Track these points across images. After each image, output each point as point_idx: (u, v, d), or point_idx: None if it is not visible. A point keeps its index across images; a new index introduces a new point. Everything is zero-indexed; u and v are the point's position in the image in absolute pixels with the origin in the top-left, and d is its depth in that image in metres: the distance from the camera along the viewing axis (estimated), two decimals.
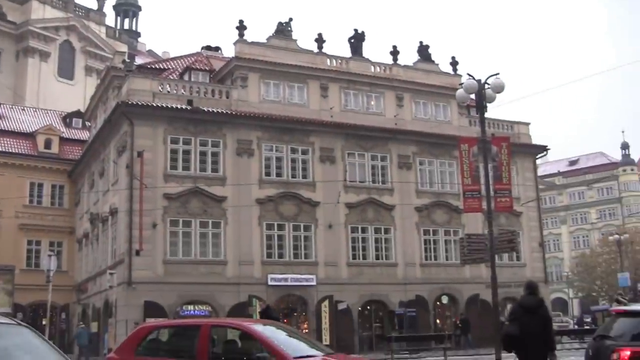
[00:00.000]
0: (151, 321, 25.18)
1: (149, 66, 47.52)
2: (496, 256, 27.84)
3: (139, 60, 54.58)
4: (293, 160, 41.25)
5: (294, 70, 42.35)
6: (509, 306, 47.07)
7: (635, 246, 78.89)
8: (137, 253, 36.12)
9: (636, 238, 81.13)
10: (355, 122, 42.96)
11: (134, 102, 37.66)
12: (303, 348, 11.10)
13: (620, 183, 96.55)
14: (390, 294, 42.07)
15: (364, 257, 42.22)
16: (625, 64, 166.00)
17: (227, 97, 40.60)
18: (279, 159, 40.90)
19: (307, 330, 38.85)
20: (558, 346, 28.40)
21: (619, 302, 25.83)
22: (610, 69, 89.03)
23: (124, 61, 45.04)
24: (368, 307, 42.51)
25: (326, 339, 38.51)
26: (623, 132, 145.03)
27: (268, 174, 40.40)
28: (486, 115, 26.91)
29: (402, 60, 46.91)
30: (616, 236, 63.62)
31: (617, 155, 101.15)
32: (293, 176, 40.99)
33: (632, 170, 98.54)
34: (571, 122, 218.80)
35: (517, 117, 53.00)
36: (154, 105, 38.07)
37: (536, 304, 13.00)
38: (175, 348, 11.69)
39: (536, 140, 50.42)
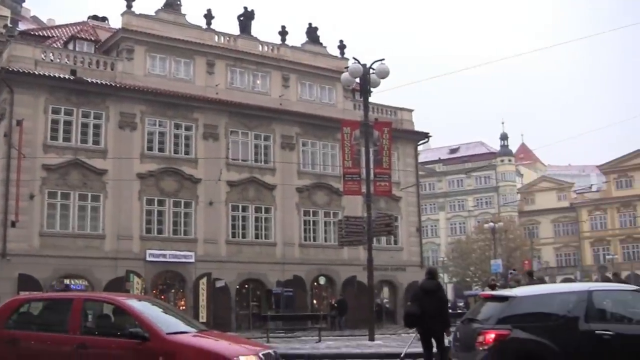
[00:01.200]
0: (25, 294, 24.55)
1: (32, 33, 46.11)
2: (374, 239, 28.35)
3: (22, 26, 52.86)
4: (176, 136, 40.82)
5: (181, 45, 41.83)
6: (385, 289, 48.09)
7: (509, 234, 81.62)
8: (13, 224, 35.13)
9: (510, 226, 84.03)
10: (240, 101, 42.79)
11: (15, 69, 36.45)
12: (177, 324, 11.11)
13: (497, 173, 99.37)
14: (268, 273, 42.21)
15: (244, 236, 42.21)
16: (507, 57, 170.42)
17: (112, 69, 39.80)
18: (162, 134, 40.42)
19: (184, 308, 38.61)
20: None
21: (493, 287, 26.61)
22: (492, 61, 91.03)
23: (5, 26, 43.64)
24: (246, 286, 42.53)
25: (203, 316, 38.37)
26: (503, 123, 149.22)
27: (150, 148, 39.87)
28: (370, 100, 27.30)
29: (291, 41, 46.98)
30: (491, 224, 65.49)
31: (496, 146, 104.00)
32: (175, 152, 40.59)
33: (509, 160, 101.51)
34: (454, 111, 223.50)
35: (401, 103, 53.54)
36: (36, 73, 36.94)
37: (435, 287, 14.94)
38: (47, 322, 11.52)
39: (418, 127, 51.19)
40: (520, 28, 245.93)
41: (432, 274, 15.35)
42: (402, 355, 17.53)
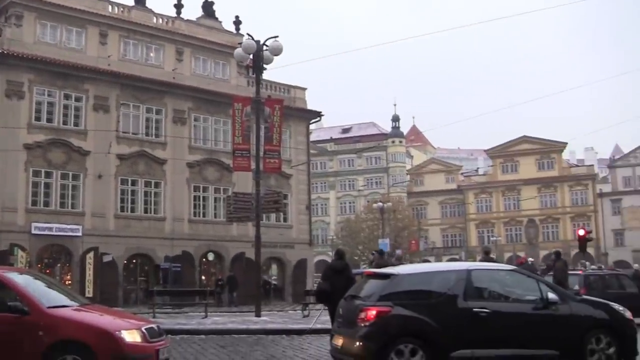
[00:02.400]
0: None
1: None
2: (263, 216, 28.48)
3: None
4: (65, 107, 39.92)
5: (74, 14, 40.81)
6: (273, 266, 48.31)
7: (398, 214, 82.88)
8: None
9: (399, 207, 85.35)
10: (132, 73, 42.15)
11: None
12: (59, 298, 10.98)
13: (388, 154, 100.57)
14: (157, 249, 41.87)
15: (133, 210, 41.74)
16: (403, 39, 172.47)
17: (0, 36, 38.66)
18: (50, 104, 39.46)
19: (70, 282, 38.00)
20: (319, 306, 29.50)
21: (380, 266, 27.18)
22: (386, 42, 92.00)
23: None
24: (134, 261, 42.14)
25: (89, 291, 37.74)
26: (395, 105, 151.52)
27: (38, 118, 38.86)
28: (264, 77, 27.36)
29: (186, 14, 46.57)
30: (380, 204, 66.29)
31: (388, 127, 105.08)
32: (64, 123, 39.71)
33: (400, 142, 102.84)
34: (348, 91, 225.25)
35: (295, 81, 53.69)
36: None
37: (343, 267, 17.08)
38: None
39: (312, 105, 51.48)
40: (415, 10, 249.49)
41: (340, 255, 17.77)
42: (308, 330, 17.97)
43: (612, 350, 11.67)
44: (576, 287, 21.61)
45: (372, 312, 10.63)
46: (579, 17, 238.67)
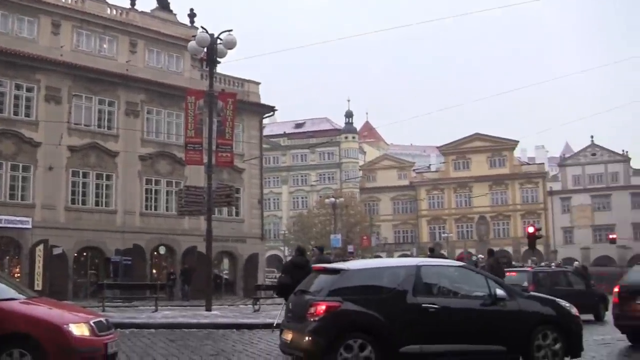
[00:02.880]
0: None
1: None
2: (215, 210, 28.41)
3: None
4: (16, 97, 39.36)
5: (26, 3, 40.19)
6: (225, 260, 48.17)
7: (350, 210, 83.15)
8: None
9: (351, 202, 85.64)
10: (85, 64, 41.69)
11: None
12: (6, 291, 10.81)
13: (341, 149, 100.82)
14: (107, 242, 41.46)
15: (84, 203, 41.31)
16: (357, 34, 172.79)
17: None
18: (1, 94, 38.84)
19: (19, 275, 37.51)
20: (269, 301, 29.55)
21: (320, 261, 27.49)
22: (342, 37, 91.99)
23: None
24: (85, 254, 41.74)
25: (39, 284, 37.24)
26: (349, 100, 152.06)
27: None
28: (218, 70, 27.29)
29: (140, 6, 46.27)
30: (332, 199, 66.43)
31: (341, 123, 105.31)
32: (15, 113, 39.15)
33: (353, 138, 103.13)
34: (303, 87, 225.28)
35: (250, 76, 53.51)
36: None
37: (304, 262, 18.15)
38: None
39: (265, 100, 51.38)
40: (371, 6, 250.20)
41: (301, 252, 19.30)
42: (274, 325, 18.02)
43: (558, 346, 11.84)
44: (525, 284, 21.87)
45: (322, 307, 10.65)
46: (530, 17, 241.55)
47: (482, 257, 33.60)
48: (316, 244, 77.92)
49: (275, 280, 60.89)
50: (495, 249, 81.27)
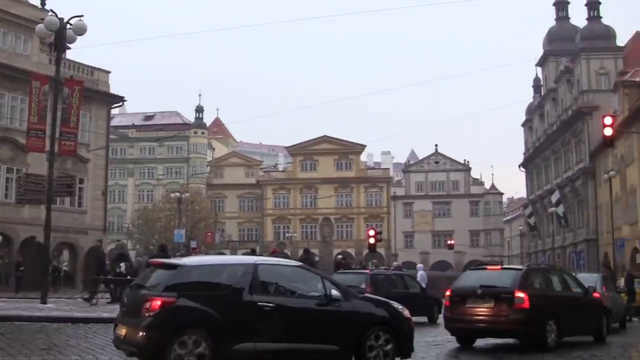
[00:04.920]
0: None
1: None
2: (57, 200, 27.68)
3: None
4: None
5: None
6: (65, 252, 46.93)
7: (196, 206, 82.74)
8: None
9: (197, 198, 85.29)
10: None
11: None
12: None
13: (190, 144, 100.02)
14: None
15: None
16: (212, 30, 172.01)
17: None
18: None
19: None
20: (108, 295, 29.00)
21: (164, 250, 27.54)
22: (194, 32, 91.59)
23: None
24: None
25: None
26: (200, 95, 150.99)
27: None
28: (68, 56, 26.56)
29: None
30: (178, 194, 65.96)
31: (191, 117, 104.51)
32: None
33: (202, 133, 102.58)
34: (154, 78, 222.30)
35: (100, 64, 52.22)
36: None
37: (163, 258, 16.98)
38: None
39: (115, 90, 50.39)
40: (230, 2, 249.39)
41: (163, 248, 20.35)
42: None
43: (389, 346, 12.13)
44: (363, 286, 22.27)
45: (157, 302, 10.53)
46: (387, 23, 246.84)
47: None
48: (160, 238, 77.61)
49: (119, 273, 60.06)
50: (338, 250, 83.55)
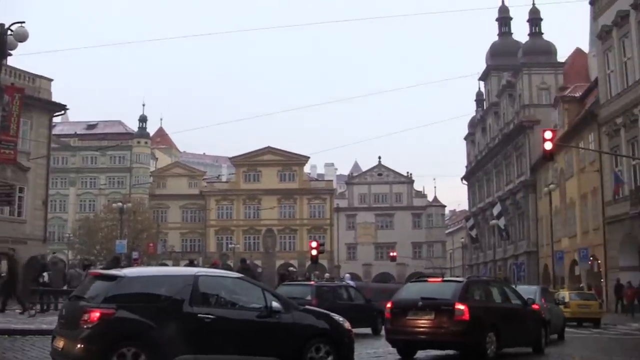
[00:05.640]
0: None
1: None
2: None
3: None
4: None
5: None
6: (3, 262, 46.02)
7: (138, 216, 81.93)
8: None
9: (139, 208, 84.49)
10: None
11: None
12: None
13: (133, 154, 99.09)
14: None
15: None
16: (155, 39, 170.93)
17: None
18: None
19: None
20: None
21: (87, 267, 27.49)
22: (138, 41, 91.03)
23: None
24: None
25: None
26: (144, 105, 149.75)
27: None
28: (9, 63, 26.18)
29: None
30: (120, 204, 65.30)
31: (135, 127, 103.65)
32: None
33: (145, 143, 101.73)
34: (98, 87, 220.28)
35: (43, 71, 51.47)
36: None
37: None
38: None
39: (57, 98, 49.64)
40: (174, 12, 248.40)
41: (116, 261, 20.43)
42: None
43: (330, 358, 12.19)
44: (309, 297, 22.32)
45: (95, 314, 10.40)
46: (335, 34, 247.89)
47: (328, 275, 34.25)
48: (101, 249, 76.78)
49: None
50: (281, 261, 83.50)
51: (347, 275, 39.98)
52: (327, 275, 43.45)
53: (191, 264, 24.93)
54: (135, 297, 10.91)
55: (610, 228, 44.33)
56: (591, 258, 47.35)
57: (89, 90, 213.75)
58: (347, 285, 29.14)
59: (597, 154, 45.81)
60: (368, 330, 24.63)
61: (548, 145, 28.75)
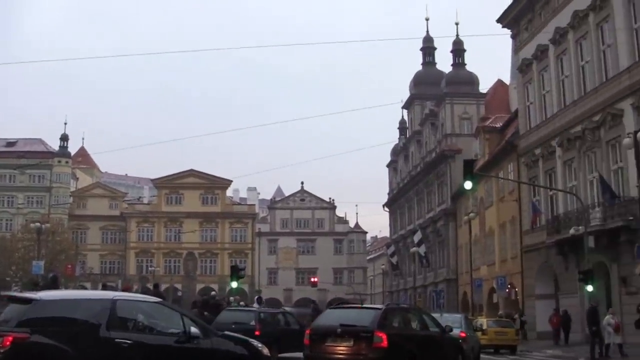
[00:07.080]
0: None
1: None
2: None
3: None
4: None
5: None
6: None
7: (57, 237, 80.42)
8: None
9: (58, 229, 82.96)
10: None
11: None
12: None
13: (53, 173, 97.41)
14: None
15: None
16: (79, 57, 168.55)
17: None
18: None
19: None
20: None
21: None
22: (61, 59, 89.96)
23: None
24: None
25: None
26: (65, 123, 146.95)
27: None
28: None
29: None
30: (38, 224, 63.99)
31: (55, 145, 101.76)
32: None
33: (66, 162, 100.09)
34: (18, 104, 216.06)
35: None
36: None
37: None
38: None
39: None
40: (108, 29, 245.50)
41: (54, 280, 19.58)
42: None
43: None
44: (252, 323, 22.30)
45: (8, 339, 10.15)
46: (259, 58, 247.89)
47: (238, 297, 33.95)
48: (17, 270, 75.03)
49: None
50: (201, 285, 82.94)
51: (256, 303, 40.22)
52: (242, 303, 43.59)
53: (104, 287, 24.50)
54: (51, 321, 10.63)
55: (527, 257, 45.08)
56: (509, 286, 48.11)
57: (8, 107, 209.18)
58: (284, 311, 29.87)
59: (516, 184, 46.66)
60: (300, 354, 24.78)
61: (468, 185, 29.65)
